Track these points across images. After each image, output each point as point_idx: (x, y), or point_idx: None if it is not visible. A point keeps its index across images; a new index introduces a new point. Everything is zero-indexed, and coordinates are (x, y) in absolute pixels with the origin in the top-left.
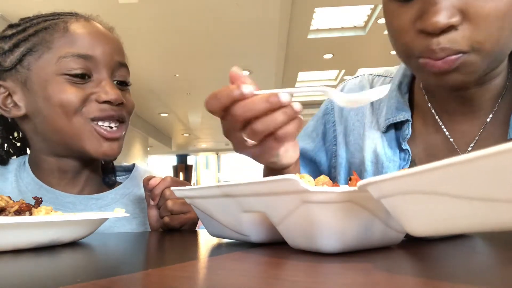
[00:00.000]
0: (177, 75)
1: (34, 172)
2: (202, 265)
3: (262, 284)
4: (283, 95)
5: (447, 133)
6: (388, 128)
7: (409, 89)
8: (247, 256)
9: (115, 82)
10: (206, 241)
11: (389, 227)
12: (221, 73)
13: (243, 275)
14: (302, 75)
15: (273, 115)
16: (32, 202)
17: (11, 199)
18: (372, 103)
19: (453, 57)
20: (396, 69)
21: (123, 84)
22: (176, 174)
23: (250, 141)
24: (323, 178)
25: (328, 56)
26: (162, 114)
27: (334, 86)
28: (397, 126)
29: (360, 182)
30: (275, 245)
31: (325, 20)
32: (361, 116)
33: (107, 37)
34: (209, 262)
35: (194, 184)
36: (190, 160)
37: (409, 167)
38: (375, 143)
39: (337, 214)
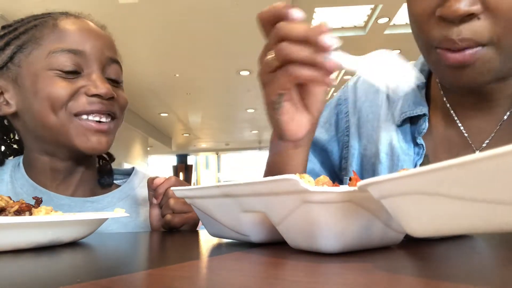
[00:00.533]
0: (177, 75)
1: (28, 172)
2: (202, 265)
3: (262, 284)
4: (328, 39)
5: (462, 128)
6: (403, 122)
7: (425, 84)
8: (247, 256)
9: (111, 77)
10: (206, 241)
11: (389, 227)
12: (221, 73)
13: (243, 275)
14: None
15: (303, 47)
16: (30, 202)
17: (11, 199)
18: (388, 97)
19: (471, 51)
20: (413, 64)
21: (115, 81)
22: (176, 174)
23: (270, 60)
24: (323, 178)
25: None
26: (162, 114)
27: (334, 86)
28: (412, 121)
29: (360, 182)
30: (275, 245)
31: (325, 20)
32: (375, 108)
33: (97, 33)
34: (209, 262)
35: (194, 184)
36: (190, 160)
37: (423, 162)
38: (390, 136)
39: (337, 214)
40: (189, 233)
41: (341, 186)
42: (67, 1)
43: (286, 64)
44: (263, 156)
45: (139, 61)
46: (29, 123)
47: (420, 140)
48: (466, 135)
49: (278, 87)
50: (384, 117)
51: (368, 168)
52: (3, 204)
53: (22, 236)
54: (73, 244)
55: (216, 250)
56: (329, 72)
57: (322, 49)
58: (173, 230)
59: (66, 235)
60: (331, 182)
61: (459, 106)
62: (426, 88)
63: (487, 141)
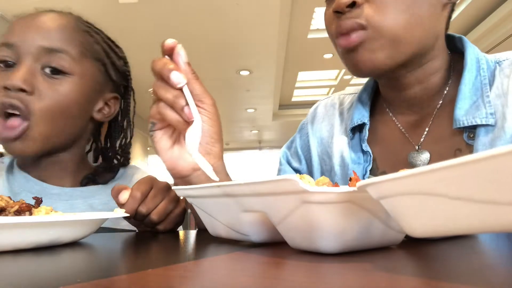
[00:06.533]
0: None
1: (22, 167)
2: (202, 265)
3: (262, 284)
4: (175, 76)
5: (400, 127)
6: (353, 134)
7: (372, 100)
8: (247, 256)
9: (47, 69)
10: (206, 241)
11: (389, 227)
12: (221, 73)
13: (243, 275)
14: (302, 75)
15: (169, 88)
16: (27, 200)
17: (11, 199)
18: (341, 113)
19: (355, 33)
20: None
21: (57, 72)
22: None
23: (150, 93)
24: (323, 179)
25: (328, 56)
26: None
27: (334, 86)
28: (360, 131)
29: (360, 183)
30: (275, 245)
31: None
32: (330, 127)
33: (32, 24)
34: (209, 262)
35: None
36: None
37: (372, 166)
38: (342, 149)
39: (337, 215)
40: (188, 233)
41: (341, 186)
42: (66, 1)
43: (158, 100)
44: (263, 156)
45: (139, 61)
46: None
47: (366, 147)
48: (407, 135)
49: (150, 115)
50: (337, 133)
51: None
52: (3, 204)
53: (22, 236)
54: (73, 244)
55: (216, 250)
56: (187, 119)
57: (172, 85)
58: (171, 231)
59: (66, 235)
60: (331, 182)
61: (398, 113)
62: (375, 103)
63: (423, 136)
